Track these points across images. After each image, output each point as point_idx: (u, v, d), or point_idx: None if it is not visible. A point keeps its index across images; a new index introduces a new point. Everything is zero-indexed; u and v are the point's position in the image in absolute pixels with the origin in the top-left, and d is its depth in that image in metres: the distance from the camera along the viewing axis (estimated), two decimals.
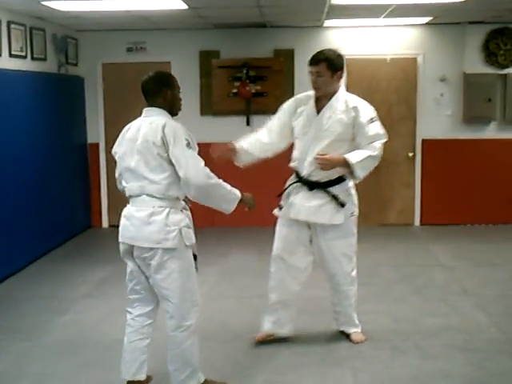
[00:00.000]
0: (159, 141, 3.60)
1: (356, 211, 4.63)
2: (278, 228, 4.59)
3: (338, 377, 4.19)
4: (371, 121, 4.48)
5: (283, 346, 4.65)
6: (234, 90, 8.34)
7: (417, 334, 4.84)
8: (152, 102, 3.77)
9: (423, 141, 8.58)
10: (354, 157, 4.30)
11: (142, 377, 3.91)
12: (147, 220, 3.63)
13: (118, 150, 3.83)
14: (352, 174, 4.36)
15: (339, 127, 4.35)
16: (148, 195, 3.66)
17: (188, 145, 3.63)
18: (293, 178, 4.54)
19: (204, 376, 3.89)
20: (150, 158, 3.62)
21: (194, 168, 3.58)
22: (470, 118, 8.42)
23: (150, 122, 3.69)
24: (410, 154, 8.59)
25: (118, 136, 3.91)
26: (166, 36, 8.52)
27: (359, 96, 4.65)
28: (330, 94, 4.37)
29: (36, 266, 6.92)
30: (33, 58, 7.13)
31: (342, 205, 4.44)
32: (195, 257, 3.79)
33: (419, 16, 7.77)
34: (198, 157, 3.66)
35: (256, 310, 5.43)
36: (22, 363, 4.46)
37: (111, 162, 8.61)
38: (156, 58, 8.55)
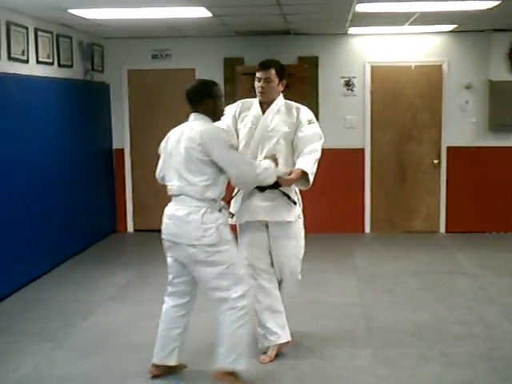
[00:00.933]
0: (198, 146, 3.87)
1: (301, 214, 4.59)
2: (240, 238, 4.55)
3: None
4: (311, 122, 4.55)
5: (306, 352, 4.64)
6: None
7: (441, 342, 4.80)
8: (195, 108, 4.06)
9: (448, 148, 8.52)
10: (307, 166, 4.36)
11: (170, 362, 4.20)
12: (186, 219, 3.90)
13: (163, 148, 4.15)
14: (307, 181, 4.39)
15: (285, 126, 4.45)
16: (187, 195, 3.92)
17: (231, 146, 3.97)
18: None
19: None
20: (190, 161, 3.91)
21: (243, 168, 3.94)
22: (496, 126, 8.35)
23: (192, 128, 3.98)
24: (436, 162, 8.54)
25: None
26: (190, 43, 8.58)
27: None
28: (272, 100, 4.49)
29: (61, 270, 6.98)
30: (59, 65, 7.22)
31: (294, 202, 4.47)
32: None
33: (444, 24, 7.74)
34: (243, 155, 4.12)
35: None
36: (45, 366, 4.50)
37: (136, 167, 8.81)
38: (180, 65, 8.62)
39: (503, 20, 7.45)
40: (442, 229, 8.66)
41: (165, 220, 4.04)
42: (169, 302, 4.19)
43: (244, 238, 4.55)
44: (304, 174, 4.34)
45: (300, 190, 4.57)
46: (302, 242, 4.61)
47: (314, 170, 4.42)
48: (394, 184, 8.69)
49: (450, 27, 7.99)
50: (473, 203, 8.56)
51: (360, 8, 6.35)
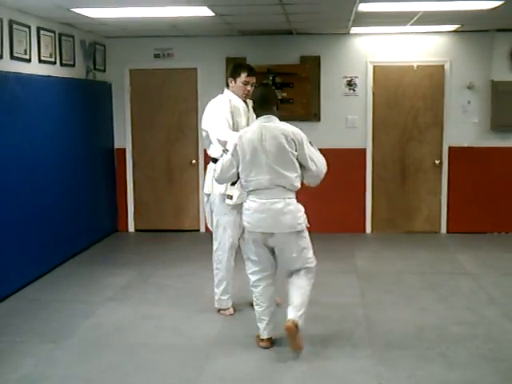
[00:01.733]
0: (291, 142, 4.47)
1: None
2: (233, 218, 5.28)
3: None
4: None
5: (306, 352, 4.63)
6: None
7: (442, 343, 4.80)
8: (268, 110, 4.62)
9: (450, 148, 8.52)
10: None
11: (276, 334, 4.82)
12: (283, 210, 4.48)
13: (241, 149, 4.53)
14: None
15: None
16: (279, 186, 4.47)
17: (311, 143, 4.61)
18: None
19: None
20: (283, 156, 4.46)
21: (322, 163, 4.63)
22: (498, 126, 8.34)
23: (275, 127, 4.54)
24: (437, 162, 8.53)
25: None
26: (192, 42, 8.57)
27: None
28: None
29: (62, 270, 6.98)
30: (61, 64, 7.22)
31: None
32: None
33: (447, 23, 7.73)
34: (318, 152, 4.67)
35: (281, 316, 5.43)
36: (46, 366, 4.50)
37: (138, 167, 8.81)
38: (183, 65, 8.62)
39: (506, 20, 7.43)
40: (444, 229, 8.65)
41: (254, 215, 4.53)
42: (262, 284, 4.71)
43: (233, 219, 5.30)
44: None
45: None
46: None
47: None
48: (395, 184, 8.68)
49: (453, 27, 7.98)
50: (474, 204, 8.55)
51: (363, 7, 6.34)
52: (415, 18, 7.14)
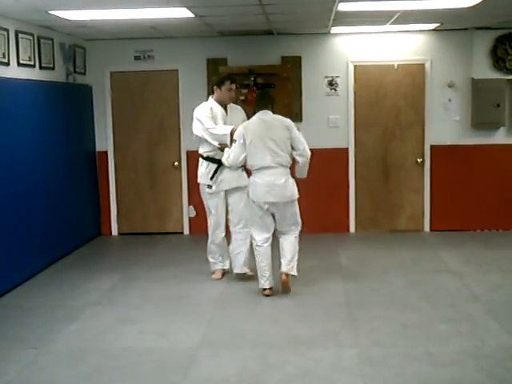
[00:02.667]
0: (286, 129, 5.87)
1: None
2: (215, 203, 6.46)
3: None
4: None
5: (291, 353, 4.63)
6: (242, 97, 8.32)
7: (427, 341, 4.81)
8: (265, 107, 5.98)
9: (432, 146, 8.55)
10: None
11: (272, 283, 6.10)
12: (285, 185, 5.87)
13: (247, 137, 5.84)
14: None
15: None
16: (279, 164, 5.83)
17: (298, 129, 6.01)
18: (212, 164, 6.35)
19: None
20: (282, 140, 5.84)
21: (306, 145, 5.94)
22: (479, 124, 8.39)
23: (272, 118, 5.94)
24: (419, 160, 8.57)
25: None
26: (173, 44, 8.54)
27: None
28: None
29: (45, 275, 6.93)
30: (41, 67, 7.16)
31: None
32: None
33: (426, 22, 7.76)
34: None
35: (266, 317, 5.43)
36: (29, 372, 4.46)
37: (120, 170, 8.78)
38: (163, 66, 8.59)
39: (485, 18, 7.48)
40: (427, 227, 8.69)
41: (262, 188, 5.85)
42: (265, 245, 6.00)
43: (217, 202, 6.50)
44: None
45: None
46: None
47: None
48: (378, 183, 8.70)
49: (433, 26, 8.02)
50: (457, 201, 8.59)
51: (342, 7, 6.35)
52: (395, 17, 7.16)
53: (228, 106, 6.45)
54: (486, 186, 8.57)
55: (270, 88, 7.74)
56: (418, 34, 8.40)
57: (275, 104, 6.13)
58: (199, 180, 6.53)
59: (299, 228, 6.10)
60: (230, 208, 6.48)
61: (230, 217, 6.50)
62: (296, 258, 6.01)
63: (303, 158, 5.94)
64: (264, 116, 5.93)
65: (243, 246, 6.42)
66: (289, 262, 5.97)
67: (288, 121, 5.94)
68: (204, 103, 6.42)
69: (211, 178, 6.35)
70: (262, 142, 5.81)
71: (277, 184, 5.83)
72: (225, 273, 6.69)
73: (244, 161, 5.95)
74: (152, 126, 8.74)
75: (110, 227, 8.92)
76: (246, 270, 6.50)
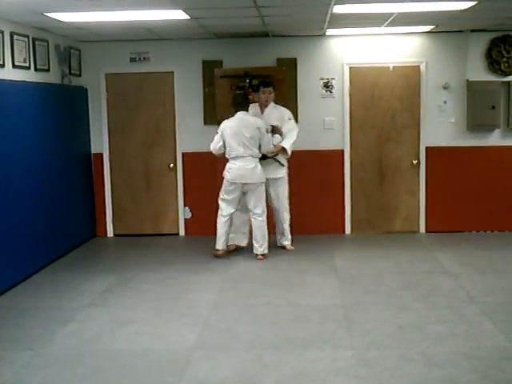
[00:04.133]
0: (257, 129, 7.20)
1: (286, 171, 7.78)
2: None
3: None
4: (290, 118, 7.70)
5: (286, 355, 4.64)
6: None
7: (422, 342, 4.82)
8: (244, 108, 7.36)
9: (427, 148, 8.57)
10: (286, 143, 7.51)
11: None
12: (254, 169, 7.23)
13: (225, 132, 7.27)
14: (285, 152, 7.54)
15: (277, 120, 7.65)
16: (250, 155, 7.21)
17: (267, 130, 7.30)
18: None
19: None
20: (253, 138, 7.20)
21: (268, 143, 7.35)
22: (474, 126, 8.41)
23: (246, 119, 7.28)
24: (415, 162, 8.58)
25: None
26: (168, 46, 8.54)
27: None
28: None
29: (40, 276, 6.91)
30: (36, 69, 7.16)
31: (282, 165, 7.66)
32: None
33: (421, 24, 7.78)
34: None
35: (262, 318, 5.42)
36: (24, 374, 4.45)
37: (115, 172, 8.79)
38: (159, 68, 8.59)
39: (480, 21, 7.50)
40: (422, 229, 8.70)
41: (236, 172, 7.21)
42: (228, 217, 7.42)
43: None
44: (283, 148, 7.53)
45: None
46: (287, 187, 7.78)
47: (293, 145, 7.59)
48: (373, 185, 8.72)
49: (428, 28, 8.04)
50: (452, 203, 8.61)
51: (338, 9, 6.36)
52: (390, 19, 7.18)
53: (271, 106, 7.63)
54: (481, 188, 8.59)
55: (254, 93, 7.96)
56: (413, 36, 8.42)
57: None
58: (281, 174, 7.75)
59: (264, 214, 7.42)
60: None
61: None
62: (266, 235, 7.40)
63: (263, 151, 7.37)
64: (242, 116, 7.28)
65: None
66: (260, 244, 7.38)
67: (260, 122, 7.31)
68: (250, 111, 7.53)
69: None
70: (238, 137, 7.19)
71: (247, 168, 7.21)
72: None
73: (222, 149, 7.32)
74: (147, 128, 8.74)
75: (105, 229, 8.91)
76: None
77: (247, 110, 7.37)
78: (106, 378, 4.34)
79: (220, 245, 7.47)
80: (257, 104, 7.67)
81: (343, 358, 4.55)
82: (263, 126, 7.27)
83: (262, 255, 7.35)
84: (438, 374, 4.26)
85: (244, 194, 7.36)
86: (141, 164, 8.78)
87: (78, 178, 8.40)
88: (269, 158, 7.46)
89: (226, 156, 7.33)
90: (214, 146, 7.38)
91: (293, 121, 7.68)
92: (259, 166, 7.26)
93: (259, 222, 7.36)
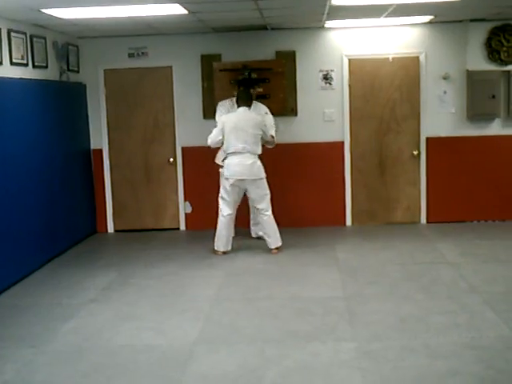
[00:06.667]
0: (258, 125, 7.19)
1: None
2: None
3: (346, 378, 4.15)
4: (267, 113, 7.69)
5: (289, 348, 4.63)
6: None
7: (425, 333, 4.81)
8: (247, 104, 7.29)
9: (428, 139, 8.55)
10: (272, 132, 7.51)
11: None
12: (253, 165, 7.11)
13: (227, 126, 7.13)
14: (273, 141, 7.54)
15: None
16: (248, 151, 7.11)
17: (265, 125, 7.31)
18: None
19: None
20: (253, 134, 7.13)
21: (273, 132, 7.47)
22: (474, 115, 8.39)
23: (248, 115, 7.23)
24: (415, 153, 8.56)
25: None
26: (167, 41, 8.52)
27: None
28: None
29: (41, 273, 6.91)
30: (34, 66, 7.14)
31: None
32: None
33: (420, 15, 7.75)
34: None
35: (263, 312, 5.42)
36: (27, 371, 4.45)
37: (115, 168, 8.77)
38: (157, 63, 8.57)
39: (479, 10, 7.47)
40: (423, 219, 8.69)
41: (234, 168, 7.10)
42: (228, 217, 7.26)
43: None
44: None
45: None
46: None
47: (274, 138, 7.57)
48: (374, 176, 8.70)
49: (427, 18, 8.00)
50: (453, 193, 8.60)
51: (336, 1, 6.33)
52: (389, 11, 7.15)
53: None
54: (481, 178, 8.57)
55: (251, 88, 7.86)
56: (412, 26, 8.39)
57: (254, 100, 7.55)
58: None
59: (269, 208, 7.27)
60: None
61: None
62: (276, 227, 7.30)
63: (268, 143, 7.48)
64: (244, 112, 7.22)
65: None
66: (273, 238, 7.32)
67: (261, 119, 7.31)
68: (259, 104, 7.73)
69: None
70: (238, 132, 7.08)
71: (246, 164, 7.09)
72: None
73: (220, 143, 7.22)
74: (147, 123, 8.72)
75: (105, 224, 8.90)
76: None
77: (250, 106, 7.32)
78: (108, 374, 4.34)
79: (220, 246, 7.35)
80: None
81: (346, 351, 4.55)
82: (263, 124, 7.28)
83: (277, 249, 7.33)
84: (441, 365, 4.25)
85: (245, 191, 7.24)
86: (140, 159, 8.77)
87: (77, 175, 8.39)
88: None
89: (223, 150, 7.25)
90: (213, 139, 7.23)
91: (270, 115, 7.65)
92: (258, 162, 7.14)
93: (267, 218, 7.25)
